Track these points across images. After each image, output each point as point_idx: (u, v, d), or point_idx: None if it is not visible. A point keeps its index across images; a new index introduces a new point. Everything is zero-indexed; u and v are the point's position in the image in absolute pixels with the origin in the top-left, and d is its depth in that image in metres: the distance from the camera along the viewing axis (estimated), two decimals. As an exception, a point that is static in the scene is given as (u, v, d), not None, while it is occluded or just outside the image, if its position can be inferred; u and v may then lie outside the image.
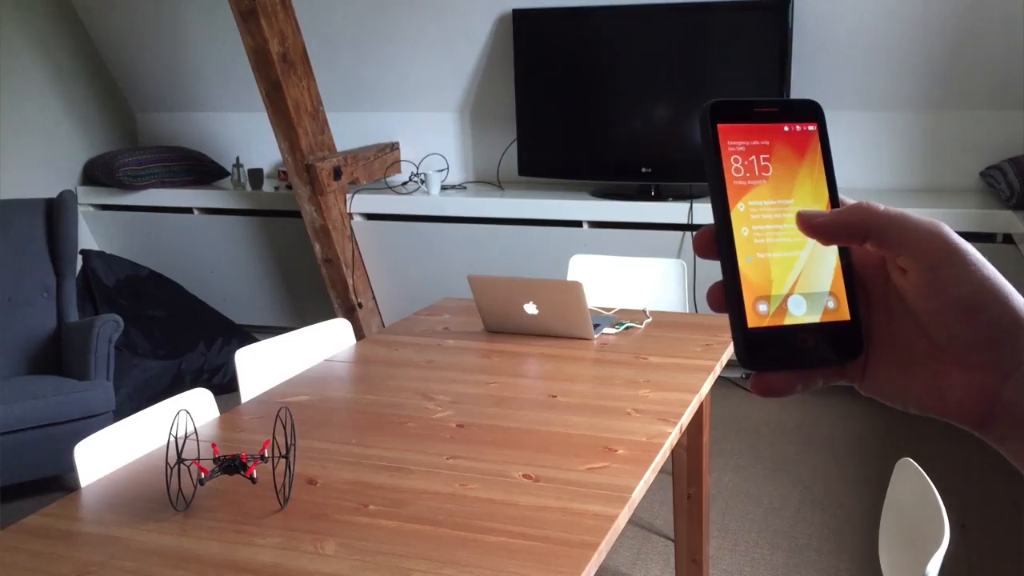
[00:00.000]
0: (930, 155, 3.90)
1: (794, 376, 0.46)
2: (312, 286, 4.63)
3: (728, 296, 0.46)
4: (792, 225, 0.46)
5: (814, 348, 0.46)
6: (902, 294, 0.45)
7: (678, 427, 1.83)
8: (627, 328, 2.48)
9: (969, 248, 0.43)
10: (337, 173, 4.13)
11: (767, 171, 0.47)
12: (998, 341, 0.42)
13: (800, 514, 3.05)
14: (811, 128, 0.49)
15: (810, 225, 0.45)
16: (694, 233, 0.48)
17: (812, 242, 0.47)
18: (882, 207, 0.44)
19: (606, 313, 2.62)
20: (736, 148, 0.47)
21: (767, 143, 0.48)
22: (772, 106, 0.48)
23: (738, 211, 0.46)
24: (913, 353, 0.45)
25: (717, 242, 0.47)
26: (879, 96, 3.85)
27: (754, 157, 0.48)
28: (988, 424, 0.44)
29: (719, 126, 0.47)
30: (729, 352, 2.28)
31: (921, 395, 0.45)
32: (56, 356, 3.66)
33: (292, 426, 1.61)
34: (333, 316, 2.91)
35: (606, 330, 2.46)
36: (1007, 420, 0.43)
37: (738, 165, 0.47)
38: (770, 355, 0.46)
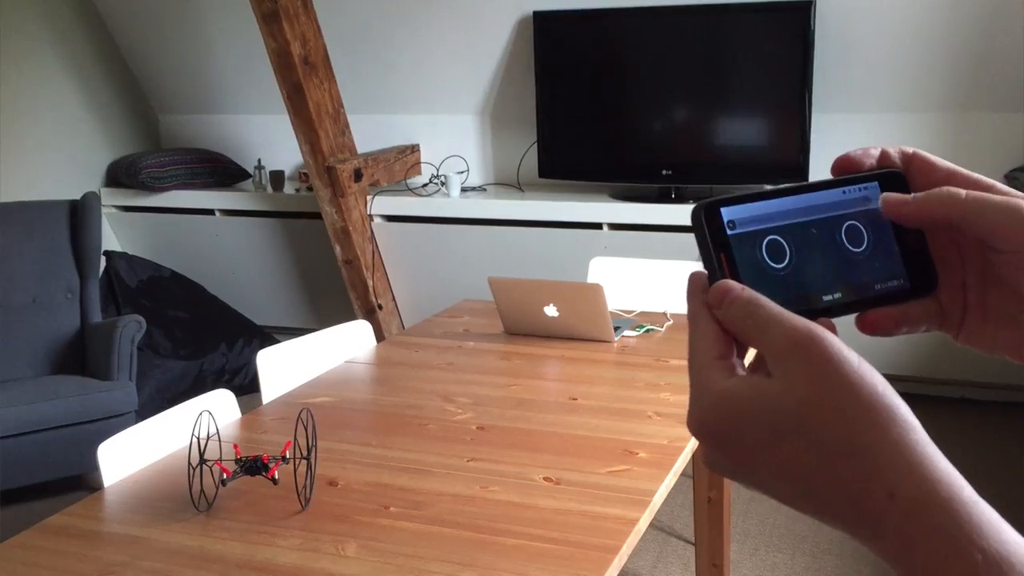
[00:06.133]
0: (954, 157, 3.80)
1: (899, 314, 0.49)
2: (332, 288, 4.65)
3: None
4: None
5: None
6: (998, 268, 0.48)
7: (699, 430, 1.82)
8: (648, 331, 2.48)
9: None
10: (358, 175, 4.14)
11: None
12: None
13: (821, 518, 3.02)
14: None
15: (898, 214, 0.48)
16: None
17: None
18: (963, 193, 0.45)
19: (626, 316, 2.61)
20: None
21: None
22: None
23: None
24: (1010, 315, 0.48)
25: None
26: (902, 98, 3.82)
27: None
28: None
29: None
30: (750, 355, 2.26)
31: (1015, 348, 0.49)
32: (80, 356, 3.69)
33: (313, 427, 1.62)
34: (353, 318, 2.92)
35: (626, 333, 2.45)
36: None
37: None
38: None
